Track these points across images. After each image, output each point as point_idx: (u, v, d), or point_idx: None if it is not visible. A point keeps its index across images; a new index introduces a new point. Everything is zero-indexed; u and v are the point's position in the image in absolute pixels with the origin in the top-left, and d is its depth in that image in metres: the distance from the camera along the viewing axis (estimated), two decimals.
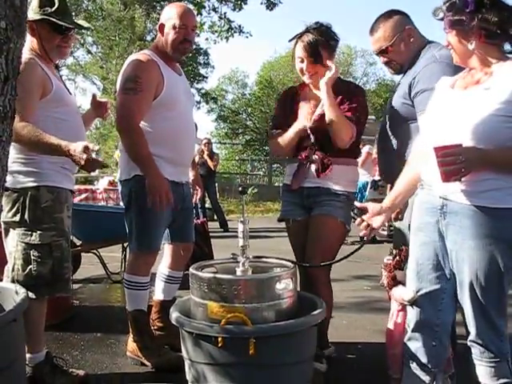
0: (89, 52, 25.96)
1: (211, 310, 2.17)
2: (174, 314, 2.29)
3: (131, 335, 3.27)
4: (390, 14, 2.72)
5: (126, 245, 5.58)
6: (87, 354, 3.48)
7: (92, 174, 8.91)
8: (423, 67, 2.58)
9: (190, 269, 2.34)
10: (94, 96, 3.19)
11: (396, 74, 2.82)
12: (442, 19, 2.07)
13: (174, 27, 2.96)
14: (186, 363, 2.28)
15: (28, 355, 2.76)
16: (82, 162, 2.46)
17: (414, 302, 2.19)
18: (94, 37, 22.93)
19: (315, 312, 2.26)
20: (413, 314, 2.23)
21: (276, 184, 20.14)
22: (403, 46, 2.67)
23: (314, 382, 2.38)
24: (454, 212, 2.03)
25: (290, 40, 2.86)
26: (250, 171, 24.67)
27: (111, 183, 10.57)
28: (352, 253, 2.42)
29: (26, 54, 2.62)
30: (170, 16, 2.97)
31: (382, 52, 2.72)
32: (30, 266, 2.72)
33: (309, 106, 2.97)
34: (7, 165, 1.64)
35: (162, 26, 3.01)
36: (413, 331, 2.22)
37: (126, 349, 3.36)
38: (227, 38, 17.51)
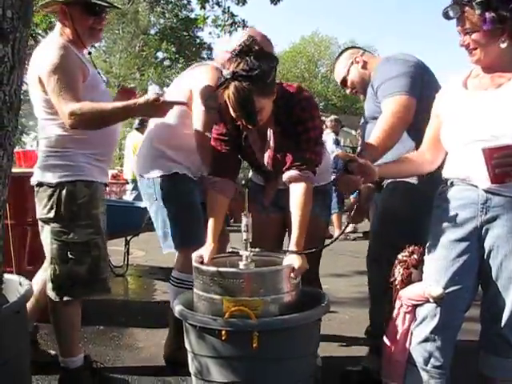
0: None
1: (215, 303, 2.17)
2: (178, 307, 2.29)
3: (169, 339, 3.13)
4: (340, 53, 3.07)
5: (129, 238, 5.60)
6: (90, 346, 3.49)
7: None
8: (377, 68, 2.80)
9: (193, 263, 2.34)
10: (122, 86, 3.23)
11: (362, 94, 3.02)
12: (458, 18, 2.02)
13: None
14: (189, 356, 2.28)
15: (66, 359, 2.73)
16: (164, 106, 2.48)
17: (440, 300, 2.14)
18: None
19: (319, 306, 2.25)
20: (433, 313, 2.17)
21: None
22: (359, 76, 2.93)
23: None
24: (500, 206, 2.05)
25: (218, 88, 2.32)
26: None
27: (114, 177, 10.58)
28: (331, 242, 2.43)
29: (57, 40, 2.61)
30: None
31: (342, 83, 3.01)
32: (67, 266, 2.63)
33: (257, 147, 2.62)
34: (13, 155, 1.62)
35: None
36: (432, 332, 2.16)
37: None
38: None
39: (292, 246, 2.33)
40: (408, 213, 2.64)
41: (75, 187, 2.60)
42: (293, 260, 2.27)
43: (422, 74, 2.65)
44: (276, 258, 2.43)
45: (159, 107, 2.45)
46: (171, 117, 2.80)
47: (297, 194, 2.39)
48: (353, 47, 3.16)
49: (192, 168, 3.01)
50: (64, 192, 2.59)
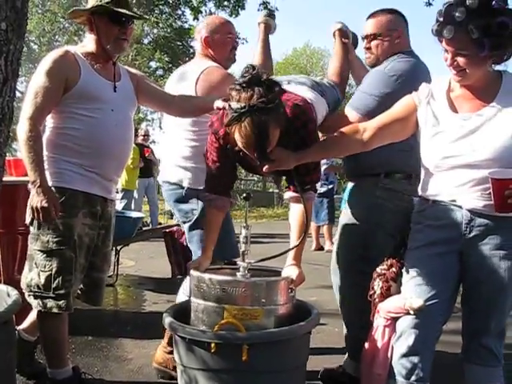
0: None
1: (215, 311, 2.18)
2: (167, 319, 2.28)
3: (164, 346, 3.08)
4: (393, 11, 2.85)
5: (119, 248, 5.57)
6: (78, 357, 3.46)
7: None
8: (369, 73, 2.82)
9: (191, 271, 2.35)
10: None
11: (369, 66, 2.94)
12: (451, 38, 2.02)
13: None
14: (179, 369, 2.28)
15: (53, 370, 2.71)
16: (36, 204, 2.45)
17: (420, 312, 2.16)
18: None
19: (308, 319, 2.26)
20: (413, 326, 2.19)
21: (270, 190, 20.16)
22: (387, 42, 2.79)
23: None
24: (484, 225, 2.13)
25: (228, 125, 2.15)
26: (245, 177, 24.72)
27: None
28: (282, 253, 2.43)
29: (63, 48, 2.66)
30: None
31: (368, 37, 2.84)
32: (31, 274, 2.60)
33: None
34: (4, 166, 1.62)
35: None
36: (414, 345, 2.17)
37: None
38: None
39: (290, 260, 2.40)
40: (366, 225, 2.78)
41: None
42: (291, 272, 2.31)
43: (395, 94, 2.52)
44: (272, 270, 2.47)
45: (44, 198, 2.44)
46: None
47: (297, 213, 2.45)
48: (401, 14, 2.86)
49: None
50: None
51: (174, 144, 2.98)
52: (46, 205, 2.43)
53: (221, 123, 2.34)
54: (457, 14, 1.98)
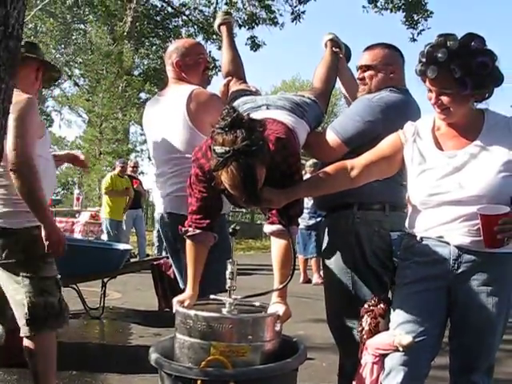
0: (76, 84, 26.16)
1: (200, 348, 2.15)
2: (154, 355, 2.26)
3: None
4: (392, 46, 2.85)
5: (106, 280, 5.54)
6: None
7: (75, 207, 8.89)
8: (357, 100, 2.78)
9: (176, 307, 2.33)
10: (75, 156, 3.55)
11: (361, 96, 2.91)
12: (434, 78, 2.07)
13: None
14: None
15: None
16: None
17: (409, 349, 2.16)
18: (82, 70, 23.10)
19: (296, 355, 2.25)
20: (402, 363, 2.19)
21: (258, 222, 20.10)
22: (381, 75, 2.77)
23: None
24: (472, 261, 2.14)
25: (214, 170, 2.10)
26: (232, 208, 24.71)
27: (93, 216, 10.53)
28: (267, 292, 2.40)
29: (24, 94, 2.77)
30: None
31: (362, 68, 2.81)
32: (43, 298, 2.82)
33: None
34: None
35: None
36: (402, 383, 2.16)
37: None
38: (211, 76, 17.75)
39: (276, 297, 2.36)
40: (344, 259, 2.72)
41: (38, 230, 2.77)
42: (278, 308, 2.29)
43: (377, 130, 2.57)
44: (259, 306, 2.45)
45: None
46: None
47: (279, 249, 2.37)
48: (398, 51, 2.85)
49: None
50: (31, 235, 2.79)
51: (167, 177, 2.98)
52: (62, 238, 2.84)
53: (206, 159, 2.29)
54: (439, 55, 2.04)
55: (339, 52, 3.16)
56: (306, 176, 8.59)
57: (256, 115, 2.36)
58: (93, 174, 18.83)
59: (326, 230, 2.87)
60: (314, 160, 8.65)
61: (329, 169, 2.39)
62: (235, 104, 2.77)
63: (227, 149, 2.01)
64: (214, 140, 2.06)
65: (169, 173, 2.89)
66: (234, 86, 3.16)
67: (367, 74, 2.78)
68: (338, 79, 3.16)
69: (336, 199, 2.64)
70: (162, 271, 4.49)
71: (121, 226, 9.62)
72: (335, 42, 3.18)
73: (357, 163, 2.36)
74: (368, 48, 2.83)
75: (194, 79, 2.98)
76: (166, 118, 2.90)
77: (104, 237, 9.22)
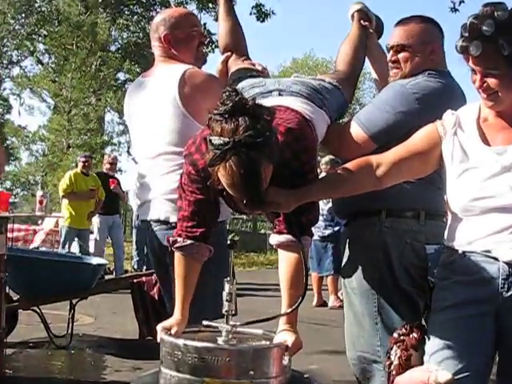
0: (39, 62, 26.19)
1: None
2: None
3: None
4: (430, 20, 2.81)
5: (75, 301, 5.54)
6: None
7: (37, 212, 8.92)
8: (388, 86, 2.76)
9: (161, 334, 2.33)
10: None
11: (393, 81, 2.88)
12: (478, 55, 2.06)
13: None
14: None
15: None
16: None
17: None
18: (47, 44, 23.17)
19: None
20: None
21: (262, 231, 20.10)
22: (419, 57, 2.73)
23: None
24: None
25: (210, 165, 2.09)
26: (233, 214, 24.74)
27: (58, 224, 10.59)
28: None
29: None
30: None
31: (394, 48, 2.76)
32: None
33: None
34: None
35: None
36: None
37: None
38: (207, 54, 17.84)
39: (283, 323, 2.32)
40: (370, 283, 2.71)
41: None
42: (286, 337, 2.27)
43: (411, 123, 2.56)
44: (262, 334, 2.44)
45: None
46: None
47: (288, 264, 2.34)
48: (438, 26, 2.83)
49: None
50: None
51: (156, 176, 2.98)
52: None
53: (200, 154, 2.30)
54: (485, 28, 2.03)
55: (369, 26, 3.12)
56: (322, 175, 8.57)
57: (266, 102, 2.34)
58: (60, 171, 18.89)
59: (347, 241, 2.86)
60: (331, 156, 8.63)
61: (349, 165, 2.37)
62: (240, 87, 2.73)
63: (226, 139, 1.99)
64: (211, 129, 2.05)
65: (157, 171, 2.89)
66: (235, 64, 3.15)
67: (401, 55, 2.74)
68: (366, 59, 3.13)
69: (359, 204, 2.63)
70: (143, 291, 4.51)
71: (84, 237, 9.60)
72: (364, 14, 3.14)
73: (384, 159, 2.35)
74: (400, 23, 2.79)
75: (187, 57, 2.99)
76: (153, 104, 2.90)
77: (75, 249, 9.28)
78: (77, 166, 10.26)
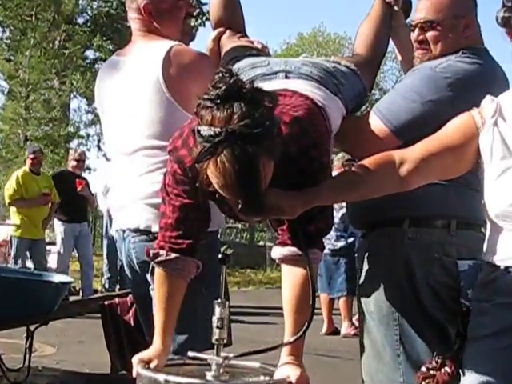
0: None
1: None
2: None
3: None
4: None
5: (33, 328, 5.53)
6: None
7: None
8: (414, 69, 2.76)
9: (138, 368, 2.33)
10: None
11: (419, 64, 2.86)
12: None
13: None
14: None
15: None
16: None
17: None
18: (0, 15, 23.14)
19: None
20: None
21: (261, 243, 20.09)
22: (451, 35, 2.72)
23: None
24: None
25: (198, 161, 2.09)
26: (226, 222, 24.71)
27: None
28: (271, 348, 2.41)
29: None
30: None
31: (424, 25, 2.75)
32: None
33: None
34: None
35: None
36: None
37: None
38: (196, 27, 17.88)
39: (286, 354, 2.31)
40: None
41: None
42: (289, 371, 2.26)
43: (443, 115, 2.53)
44: (260, 368, 2.44)
45: None
46: None
47: (293, 283, 2.34)
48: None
49: None
50: None
51: (135, 176, 2.97)
52: None
53: (188, 149, 2.29)
54: None
55: (394, 3, 3.11)
56: (334, 174, 8.55)
57: (268, 85, 2.35)
58: (15, 169, 18.85)
59: (363, 256, 2.87)
60: (345, 154, 8.63)
61: (367, 162, 2.36)
62: (236, 68, 2.72)
63: (218, 130, 1.98)
64: (200, 117, 2.05)
65: (136, 170, 2.89)
66: (230, 42, 3.16)
67: (429, 34, 2.74)
68: (391, 42, 3.14)
69: (378, 210, 2.64)
70: (116, 315, 4.51)
71: (40, 249, 9.60)
72: None
73: (409, 155, 2.35)
74: None
75: (172, 31, 3.00)
76: (131, 89, 2.90)
77: (31, 264, 9.27)
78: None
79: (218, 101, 2.01)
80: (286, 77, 2.65)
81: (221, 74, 2.06)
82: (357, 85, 2.84)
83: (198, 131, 2.04)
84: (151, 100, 2.81)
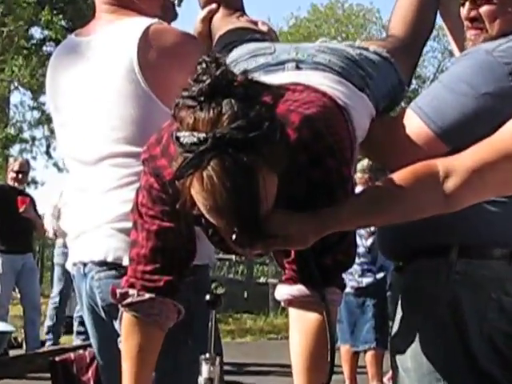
0: None
1: None
2: None
3: None
4: None
5: None
6: None
7: None
8: (465, 53, 2.77)
9: None
10: None
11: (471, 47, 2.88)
12: None
13: None
14: None
15: None
16: None
17: None
18: None
19: None
20: None
21: (261, 279, 20.18)
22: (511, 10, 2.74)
23: None
24: None
25: (178, 177, 2.06)
26: (216, 253, 24.78)
27: None
28: None
29: None
30: None
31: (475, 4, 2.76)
32: None
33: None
34: None
35: None
36: None
37: None
38: (178, 4, 18.34)
39: None
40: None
41: None
42: None
43: (504, 111, 2.54)
44: None
45: None
46: None
47: (304, 333, 2.33)
48: None
49: None
50: None
51: (99, 192, 2.97)
52: None
53: (169, 158, 2.25)
54: None
55: None
56: (358, 190, 8.52)
57: (275, 79, 2.37)
58: None
59: (397, 296, 2.89)
60: (365, 162, 8.66)
61: (401, 175, 2.34)
62: (233, 57, 2.77)
63: (202, 136, 1.95)
64: (180, 121, 2.02)
65: (101, 184, 2.88)
66: (225, 23, 3.18)
67: (484, 9, 2.75)
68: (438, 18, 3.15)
69: (417, 236, 2.65)
70: (71, 374, 4.53)
71: None
72: None
73: (457, 166, 2.35)
74: None
75: (149, 4, 3.01)
76: (97, 78, 2.90)
77: None
78: None
79: (202, 98, 1.98)
80: (297, 67, 2.63)
81: (204, 65, 2.02)
82: (390, 77, 2.85)
83: (178, 138, 2.01)
84: (122, 93, 2.80)
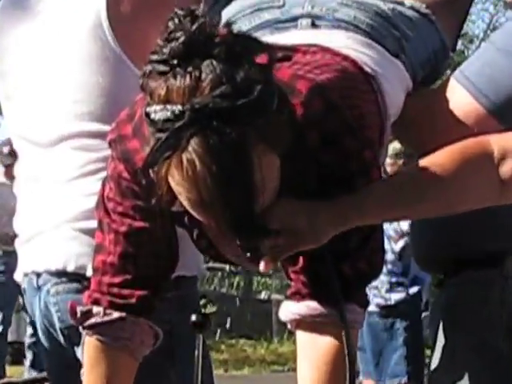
0: None
1: None
2: None
3: None
4: None
5: None
6: None
7: None
8: None
9: None
10: None
11: None
12: None
13: None
14: None
15: None
16: None
17: None
18: None
19: None
20: None
21: (262, 295, 20.14)
22: None
23: None
24: None
25: (151, 164, 1.98)
26: (206, 262, 24.73)
27: None
28: None
29: None
30: None
31: None
32: None
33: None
34: None
35: None
36: None
37: None
38: None
39: None
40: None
41: None
42: None
43: None
44: None
45: None
46: None
47: (317, 362, 2.30)
48: None
49: None
50: None
51: (58, 182, 2.99)
52: None
53: (142, 138, 2.17)
54: None
55: None
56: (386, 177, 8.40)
57: (283, 40, 2.40)
58: None
59: (438, 316, 2.92)
60: (398, 145, 8.60)
61: (444, 155, 2.27)
62: (230, 13, 2.75)
63: (178, 108, 1.88)
64: (149, 93, 1.95)
65: (59, 173, 2.89)
66: None
67: None
68: None
69: (463, 242, 2.71)
70: None
71: None
72: None
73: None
74: None
75: None
76: (54, 37, 2.90)
77: None
78: None
79: (175, 61, 1.90)
80: (314, 25, 2.58)
81: (177, 19, 1.94)
82: (431, 39, 2.80)
83: (148, 114, 1.93)
84: (86, 56, 2.77)
